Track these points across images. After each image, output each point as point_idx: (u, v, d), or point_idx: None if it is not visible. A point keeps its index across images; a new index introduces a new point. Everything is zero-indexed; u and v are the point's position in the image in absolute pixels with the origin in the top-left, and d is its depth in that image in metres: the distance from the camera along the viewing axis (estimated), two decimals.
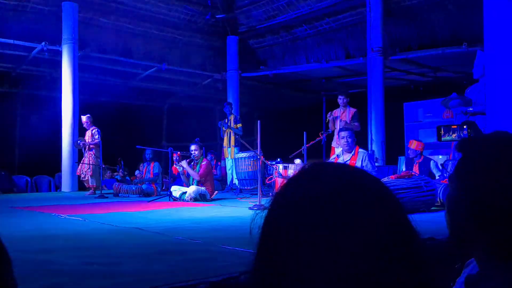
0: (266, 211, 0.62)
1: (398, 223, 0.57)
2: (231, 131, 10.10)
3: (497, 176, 0.81)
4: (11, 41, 10.60)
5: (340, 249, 0.53)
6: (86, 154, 9.94)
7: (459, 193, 0.86)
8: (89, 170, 9.74)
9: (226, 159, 10.45)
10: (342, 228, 0.54)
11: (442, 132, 3.18)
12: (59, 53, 10.92)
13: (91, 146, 9.83)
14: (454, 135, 3.11)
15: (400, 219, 0.58)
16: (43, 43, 10.80)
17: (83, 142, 9.96)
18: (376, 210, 0.56)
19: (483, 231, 0.82)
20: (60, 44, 10.86)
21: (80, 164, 9.92)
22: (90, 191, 9.71)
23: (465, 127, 3.13)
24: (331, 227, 0.54)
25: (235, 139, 10.02)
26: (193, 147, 8.20)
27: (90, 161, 9.77)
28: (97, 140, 9.74)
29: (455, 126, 3.29)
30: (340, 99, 8.33)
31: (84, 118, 10.02)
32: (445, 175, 6.59)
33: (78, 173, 9.99)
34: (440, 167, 7.11)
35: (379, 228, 0.55)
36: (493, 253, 0.82)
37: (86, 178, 9.83)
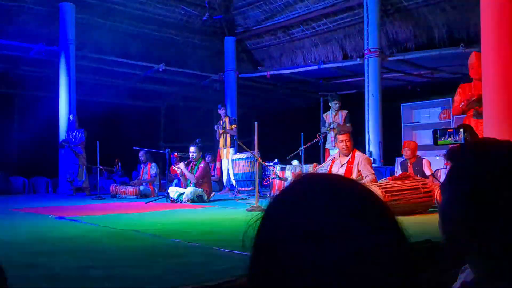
0: (258, 222, 0.62)
1: (387, 229, 0.58)
2: (227, 133, 10.10)
3: (487, 183, 0.81)
4: (8, 42, 10.57)
5: (331, 257, 0.53)
6: None
7: (451, 201, 0.86)
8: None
9: (222, 160, 10.45)
10: (333, 238, 0.54)
11: (437, 135, 3.16)
12: (57, 54, 10.90)
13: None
14: (450, 139, 3.09)
15: (389, 225, 0.58)
16: (40, 44, 10.77)
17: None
18: (365, 221, 0.56)
19: (476, 238, 0.82)
20: (57, 45, 10.83)
21: None
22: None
23: (461, 130, 3.12)
24: (322, 237, 0.54)
25: (231, 140, 10.02)
26: (192, 149, 8.20)
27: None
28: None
29: (451, 130, 3.27)
30: (336, 104, 8.47)
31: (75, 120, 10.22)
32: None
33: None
34: (432, 168, 7.18)
35: (368, 236, 0.55)
36: (487, 259, 0.82)
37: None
